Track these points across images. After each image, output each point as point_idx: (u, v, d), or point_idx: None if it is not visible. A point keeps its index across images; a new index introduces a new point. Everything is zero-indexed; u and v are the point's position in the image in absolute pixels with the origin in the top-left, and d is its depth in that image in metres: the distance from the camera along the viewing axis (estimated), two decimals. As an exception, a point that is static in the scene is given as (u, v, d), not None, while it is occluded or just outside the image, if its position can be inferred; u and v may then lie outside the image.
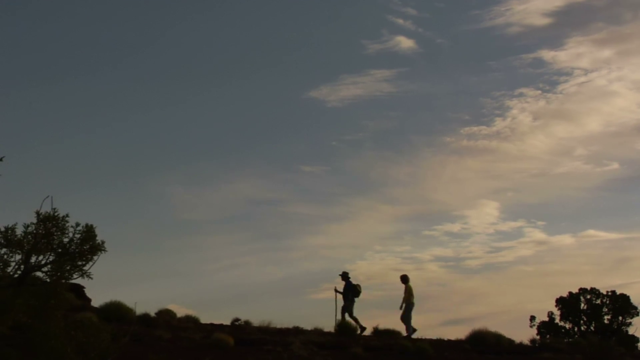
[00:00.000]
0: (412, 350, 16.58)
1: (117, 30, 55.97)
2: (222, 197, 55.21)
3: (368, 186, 59.85)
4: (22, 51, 52.87)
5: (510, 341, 19.42)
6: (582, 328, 34.12)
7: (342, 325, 18.36)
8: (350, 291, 19.17)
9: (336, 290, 19.43)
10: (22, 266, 8.61)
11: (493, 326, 22.08)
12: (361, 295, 19.41)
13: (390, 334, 18.60)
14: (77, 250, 8.68)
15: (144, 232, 50.70)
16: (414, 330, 18.82)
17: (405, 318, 18.87)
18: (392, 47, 56.56)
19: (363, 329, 18.73)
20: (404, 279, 19.23)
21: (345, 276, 19.36)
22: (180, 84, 57.43)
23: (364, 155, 58.23)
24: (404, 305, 18.93)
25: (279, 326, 18.07)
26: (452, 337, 19.16)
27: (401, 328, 18.96)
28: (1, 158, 8.17)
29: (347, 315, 19.07)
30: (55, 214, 8.63)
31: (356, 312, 19.21)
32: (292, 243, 53.26)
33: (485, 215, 53.99)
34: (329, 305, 19.73)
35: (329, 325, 18.50)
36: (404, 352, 16.43)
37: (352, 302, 19.14)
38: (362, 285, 19.42)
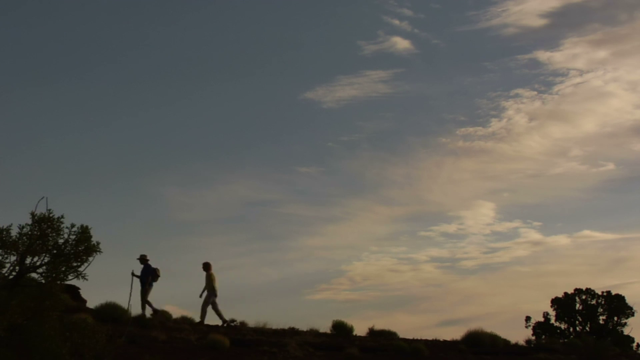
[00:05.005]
0: (407, 350, 16.60)
1: (113, 30, 56.00)
2: (218, 198, 55.21)
3: (364, 187, 59.93)
4: (16, 51, 52.83)
5: (506, 342, 19.48)
6: (578, 328, 34.17)
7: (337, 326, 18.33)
8: (150, 275, 18.26)
9: (133, 274, 18.07)
10: (17, 267, 8.60)
11: (489, 327, 22.15)
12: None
13: (386, 334, 18.60)
14: (72, 251, 8.67)
15: (140, 233, 50.61)
16: (202, 320, 18.25)
17: (204, 306, 18.45)
18: (388, 48, 56.66)
19: (156, 311, 17.99)
20: (205, 266, 18.92)
21: (143, 259, 18.42)
22: (176, 85, 57.50)
23: (360, 156, 58.31)
24: (204, 293, 18.59)
25: (274, 327, 18.10)
26: (448, 338, 19.24)
27: (397, 328, 19.04)
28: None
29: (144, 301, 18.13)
30: (51, 215, 8.62)
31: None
32: (288, 244, 53.32)
33: (481, 215, 54.11)
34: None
35: (324, 327, 18.50)
36: (399, 353, 16.46)
37: (151, 286, 18.23)
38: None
